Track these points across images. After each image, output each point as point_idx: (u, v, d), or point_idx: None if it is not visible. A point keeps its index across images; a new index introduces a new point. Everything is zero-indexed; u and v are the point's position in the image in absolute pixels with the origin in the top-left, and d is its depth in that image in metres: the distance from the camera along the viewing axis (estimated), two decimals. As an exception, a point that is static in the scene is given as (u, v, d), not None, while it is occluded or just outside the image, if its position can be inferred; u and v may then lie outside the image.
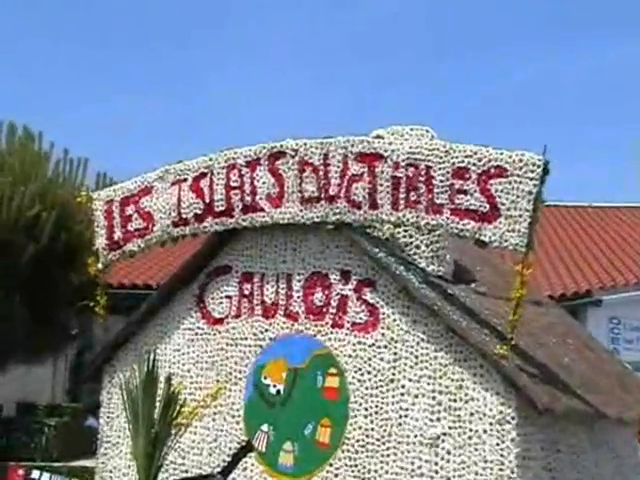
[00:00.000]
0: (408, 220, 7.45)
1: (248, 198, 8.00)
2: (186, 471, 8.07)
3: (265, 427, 7.93)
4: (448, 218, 7.23)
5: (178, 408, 6.41)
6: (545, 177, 6.97)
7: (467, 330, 7.22)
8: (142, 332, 8.65)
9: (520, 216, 6.95)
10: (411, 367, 7.40)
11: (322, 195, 7.71)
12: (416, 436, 7.27)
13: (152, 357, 6.54)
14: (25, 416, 14.29)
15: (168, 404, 6.32)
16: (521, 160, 6.95)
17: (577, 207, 22.53)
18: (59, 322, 10.72)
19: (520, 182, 6.93)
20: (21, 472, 12.17)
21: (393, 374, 7.46)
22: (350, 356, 7.66)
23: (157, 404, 6.40)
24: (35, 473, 12.03)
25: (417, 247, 7.97)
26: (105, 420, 8.74)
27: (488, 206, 7.06)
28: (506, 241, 7.01)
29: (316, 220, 7.76)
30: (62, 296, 10.33)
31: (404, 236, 7.96)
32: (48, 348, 11.06)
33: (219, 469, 6.87)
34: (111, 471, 8.64)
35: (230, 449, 7.91)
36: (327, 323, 7.82)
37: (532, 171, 6.93)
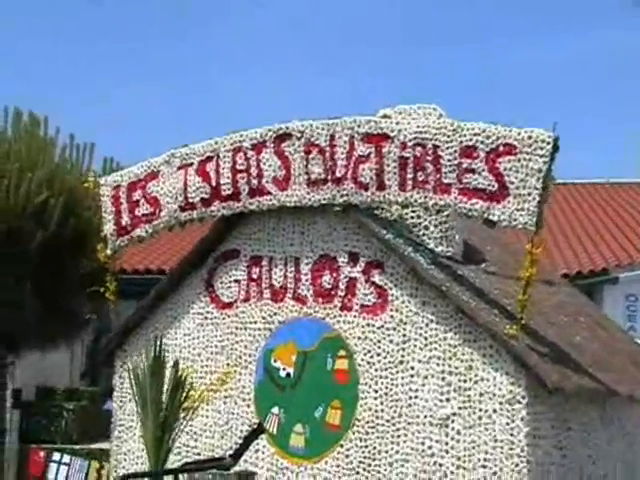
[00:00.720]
0: (416, 201, 7.41)
1: (254, 181, 7.98)
2: (199, 453, 8.11)
3: (276, 410, 7.96)
4: (456, 198, 7.18)
5: (186, 392, 6.44)
6: (555, 154, 6.90)
7: (476, 310, 7.20)
8: (152, 317, 8.68)
9: (529, 194, 6.90)
10: (420, 348, 7.40)
11: (329, 177, 7.68)
12: (426, 417, 7.27)
13: (159, 342, 6.56)
14: (44, 400, 14.46)
15: (176, 388, 6.35)
16: (530, 137, 6.88)
17: (594, 184, 22.35)
18: (71, 308, 10.76)
19: (529, 160, 6.87)
20: (42, 455, 12.34)
21: (402, 356, 7.46)
22: (359, 338, 7.66)
23: (165, 388, 6.43)
24: (56, 455, 12.18)
25: (425, 228, 7.93)
26: (118, 404, 8.81)
27: (497, 185, 7.01)
28: (515, 220, 6.96)
29: (323, 202, 7.74)
30: (73, 282, 10.36)
31: (412, 217, 7.93)
32: (61, 334, 11.12)
33: (231, 452, 6.89)
34: (125, 454, 8.71)
35: (241, 432, 7.94)
36: (336, 306, 7.81)
37: (542, 148, 6.86)
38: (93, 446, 12.74)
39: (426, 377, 7.32)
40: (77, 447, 12.82)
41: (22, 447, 12.99)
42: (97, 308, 10.98)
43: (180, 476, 6.55)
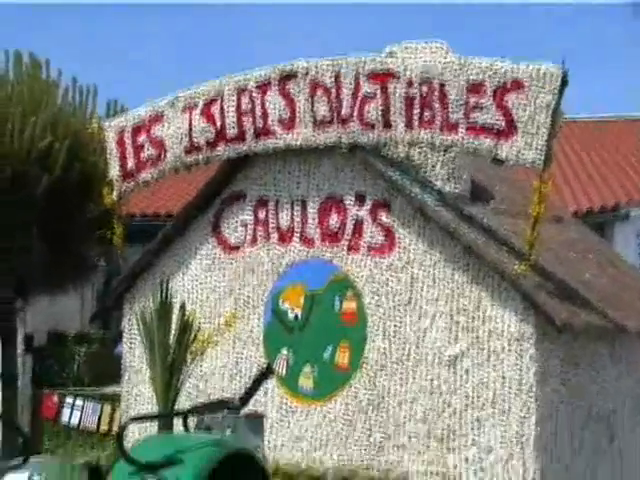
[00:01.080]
0: (423, 139, 7.36)
1: (260, 122, 7.91)
2: (209, 395, 8.14)
3: (284, 351, 7.98)
4: (463, 136, 7.12)
5: (193, 335, 6.44)
6: (564, 89, 6.80)
7: (484, 249, 7.17)
8: (159, 261, 8.67)
9: (538, 131, 6.83)
10: (428, 288, 7.38)
11: (334, 117, 7.61)
12: (435, 355, 7.28)
13: (166, 286, 6.55)
14: (56, 345, 14.56)
15: (183, 332, 6.35)
16: (539, 72, 6.77)
17: (606, 120, 22.08)
18: (79, 252, 10.76)
19: (537, 95, 6.79)
20: (55, 399, 12.45)
21: (410, 295, 7.45)
22: (367, 279, 7.64)
23: (173, 332, 6.42)
24: (69, 399, 12.29)
25: (433, 167, 7.84)
26: (128, 348, 8.84)
27: (504, 122, 6.94)
28: (523, 158, 6.90)
29: (329, 143, 7.68)
30: (80, 226, 10.33)
31: (419, 156, 7.83)
32: (69, 278, 11.14)
33: (239, 395, 6.89)
34: (136, 398, 8.76)
35: (250, 374, 7.95)
36: (343, 247, 7.78)
37: (550, 83, 6.77)
38: (105, 389, 12.81)
39: (434, 316, 7.31)
40: (89, 391, 12.89)
41: (35, 391, 13.10)
42: (107, 252, 10.97)
43: (189, 418, 6.56)
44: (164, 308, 6.36)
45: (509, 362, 6.98)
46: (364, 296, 7.64)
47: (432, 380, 7.27)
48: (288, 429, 7.87)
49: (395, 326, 7.48)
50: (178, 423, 6.36)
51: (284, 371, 7.94)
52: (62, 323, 14.89)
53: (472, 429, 7.09)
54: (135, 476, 5.48)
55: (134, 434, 7.70)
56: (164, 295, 6.44)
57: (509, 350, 7.00)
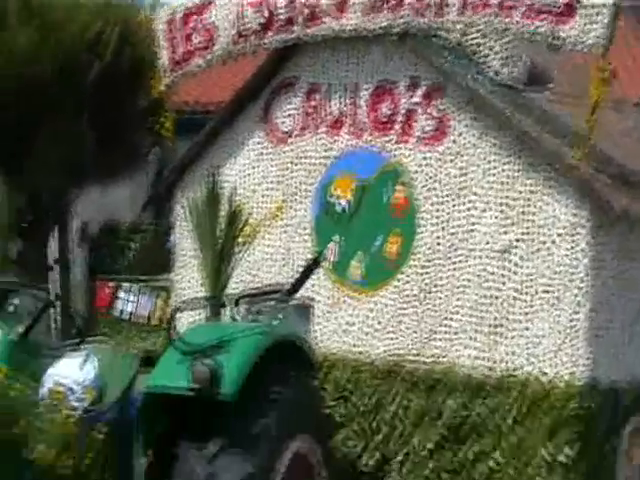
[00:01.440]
0: (477, 24, 7.11)
1: (310, 9, 7.71)
2: (259, 282, 8.18)
3: (334, 241, 7.94)
4: (520, 20, 6.88)
5: (241, 225, 6.43)
6: None
7: (539, 137, 7.00)
8: (207, 154, 8.60)
9: (599, 12, 6.56)
10: (480, 177, 7.24)
11: (386, 2, 7.36)
12: (487, 244, 7.18)
13: (214, 176, 6.52)
14: (109, 236, 14.70)
15: (232, 221, 6.34)
16: None
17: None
18: (130, 141, 10.73)
19: None
20: (108, 290, 12.64)
21: (462, 185, 7.32)
22: (418, 169, 7.52)
23: (221, 222, 6.42)
24: (122, 291, 12.48)
25: (488, 52, 7.58)
26: (178, 237, 8.89)
27: (564, 3, 6.66)
28: (583, 41, 6.65)
29: (380, 30, 7.47)
30: (132, 115, 10.27)
31: (473, 42, 7.56)
32: (121, 168, 11.15)
33: (289, 285, 6.92)
34: (186, 287, 8.82)
35: (300, 263, 7.96)
36: (394, 136, 7.65)
37: None
38: (158, 280, 12.95)
39: (486, 205, 7.19)
40: (143, 280, 13.03)
41: (89, 283, 13.30)
42: (158, 142, 10.94)
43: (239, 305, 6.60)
44: (212, 197, 6.34)
45: (561, 253, 6.86)
46: (414, 186, 7.53)
47: (482, 270, 7.19)
48: (336, 318, 7.91)
49: (446, 216, 7.38)
50: (227, 312, 6.44)
51: (333, 260, 7.92)
52: (115, 214, 15.01)
53: (521, 320, 7.03)
54: (184, 361, 5.60)
55: (184, 324, 7.82)
56: (212, 185, 6.42)
57: (562, 241, 6.87)
